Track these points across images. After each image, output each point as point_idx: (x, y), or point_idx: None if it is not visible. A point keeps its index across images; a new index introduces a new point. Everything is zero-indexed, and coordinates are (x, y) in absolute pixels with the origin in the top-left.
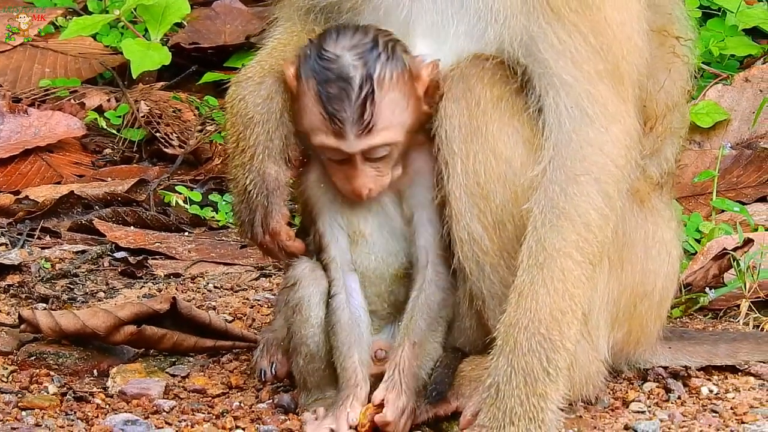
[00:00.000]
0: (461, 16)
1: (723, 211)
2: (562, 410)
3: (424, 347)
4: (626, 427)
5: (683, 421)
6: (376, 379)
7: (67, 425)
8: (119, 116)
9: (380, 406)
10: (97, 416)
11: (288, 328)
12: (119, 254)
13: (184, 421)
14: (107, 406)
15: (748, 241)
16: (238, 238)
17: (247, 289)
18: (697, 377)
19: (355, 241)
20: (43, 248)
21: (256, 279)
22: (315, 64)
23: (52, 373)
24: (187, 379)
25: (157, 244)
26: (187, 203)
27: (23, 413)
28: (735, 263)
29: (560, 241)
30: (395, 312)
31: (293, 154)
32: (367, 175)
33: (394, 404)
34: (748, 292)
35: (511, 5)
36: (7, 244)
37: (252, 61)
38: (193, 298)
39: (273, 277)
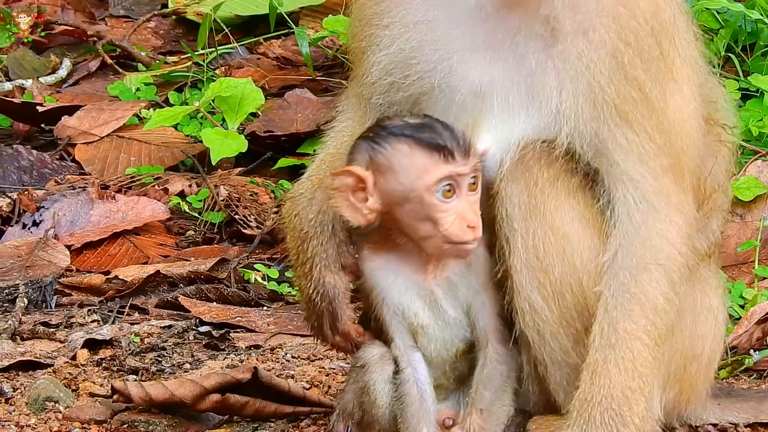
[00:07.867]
0: (530, 118)
1: (765, 278)
2: None
3: (492, 412)
4: None
5: None
6: None
7: None
8: (200, 200)
9: None
10: None
11: (359, 405)
12: (203, 328)
13: None
14: None
15: None
16: None
17: (322, 359)
18: None
19: (415, 332)
20: (132, 324)
21: (331, 349)
22: (394, 129)
23: None
24: None
25: (238, 318)
26: (265, 280)
27: None
28: None
29: (631, 324)
30: (460, 383)
31: (346, 262)
32: (475, 206)
33: None
34: None
35: (582, 112)
36: (99, 321)
37: (303, 176)
38: (273, 368)
39: None
